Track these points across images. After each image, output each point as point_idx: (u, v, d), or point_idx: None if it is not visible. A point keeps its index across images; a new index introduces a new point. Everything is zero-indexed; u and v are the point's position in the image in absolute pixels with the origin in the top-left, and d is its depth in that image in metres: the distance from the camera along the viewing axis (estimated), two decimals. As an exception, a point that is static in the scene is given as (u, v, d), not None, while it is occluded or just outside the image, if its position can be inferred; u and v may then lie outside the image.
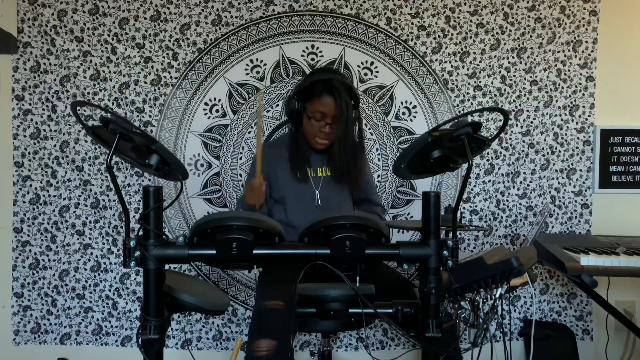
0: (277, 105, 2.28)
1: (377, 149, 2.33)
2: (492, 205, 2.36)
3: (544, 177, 2.37)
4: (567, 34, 2.32)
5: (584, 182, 2.38)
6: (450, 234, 1.20)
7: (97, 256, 2.29)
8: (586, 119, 2.35)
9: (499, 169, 2.35)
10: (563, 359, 2.30)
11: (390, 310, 1.25)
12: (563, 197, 2.38)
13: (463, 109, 2.32)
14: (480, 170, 2.34)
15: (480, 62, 2.31)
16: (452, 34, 2.29)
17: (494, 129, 2.33)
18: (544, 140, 2.35)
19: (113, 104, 2.25)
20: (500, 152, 2.34)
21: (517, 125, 2.34)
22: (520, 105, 2.33)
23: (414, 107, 2.31)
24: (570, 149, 2.36)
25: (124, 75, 2.24)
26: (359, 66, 2.28)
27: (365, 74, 2.29)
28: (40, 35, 2.20)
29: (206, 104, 2.27)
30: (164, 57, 2.24)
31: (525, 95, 2.33)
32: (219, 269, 2.33)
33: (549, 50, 2.32)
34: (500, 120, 2.32)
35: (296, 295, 1.29)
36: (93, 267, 2.30)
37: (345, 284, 1.20)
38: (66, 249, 2.28)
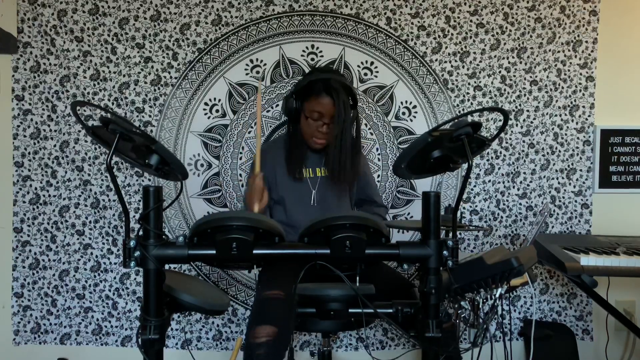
0: (277, 105, 2.28)
1: (377, 149, 2.33)
2: (492, 205, 2.36)
3: (544, 177, 2.37)
4: (567, 34, 2.32)
5: (584, 182, 2.38)
6: (450, 234, 1.20)
7: (97, 256, 2.29)
8: (586, 119, 2.35)
9: (499, 169, 2.35)
10: (563, 359, 2.30)
11: (390, 310, 1.25)
12: (563, 197, 2.38)
13: (463, 109, 2.32)
14: (480, 170, 2.34)
15: (480, 62, 2.31)
16: (452, 34, 2.29)
17: (494, 129, 2.33)
18: (544, 140, 2.35)
19: (113, 104, 2.25)
20: (500, 152, 2.34)
21: (517, 125, 2.34)
22: (520, 105, 2.33)
23: (414, 107, 2.31)
24: (570, 149, 2.36)
25: (124, 75, 2.24)
26: (359, 66, 2.28)
27: (365, 74, 2.29)
28: (40, 35, 2.20)
29: (206, 104, 2.27)
30: (164, 57, 2.24)
31: (525, 95, 2.33)
32: (219, 269, 2.33)
33: (549, 50, 2.32)
34: (500, 120, 2.32)
35: (296, 296, 1.29)
36: (93, 267, 2.30)
37: (345, 284, 1.20)
38: (66, 249, 2.28)
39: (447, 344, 1.19)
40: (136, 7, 2.21)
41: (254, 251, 1.14)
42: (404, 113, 2.32)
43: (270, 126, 2.30)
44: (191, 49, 2.24)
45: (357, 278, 1.21)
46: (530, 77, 2.32)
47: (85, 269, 2.30)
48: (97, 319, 2.32)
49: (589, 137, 2.36)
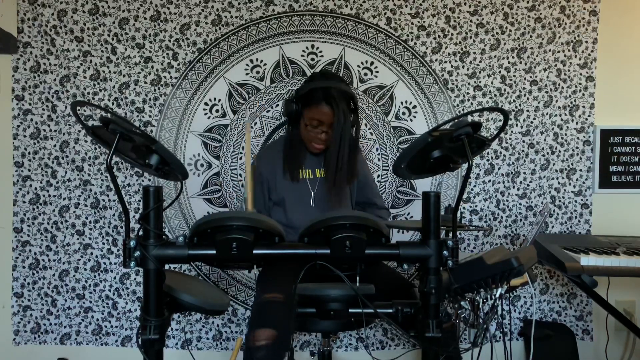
0: (277, 105, 2.28)
1: (377, 149, 2.33)
2: (492, 205, 2.36)
3: (544, 177, 2.37)
4: (567, 34, 2.32)
5: (584, 182, 2.38)
6: (450, 234, 1.20)
7: (97, 256, 2.29)
8: (586, 119, 2.35)
9: (499, 169, 2.35)
10: (563, 359, 2.30)
11: (390, 310, 1.25)
12: (563, 197, 2.38)
13: (463, 109, 2.32)
14: (480, 170, 2.34)
15: (480, 62, 2.31)
16: (452, 34, 2.29)
17: (494, 129, 2.33)
18: (544, 140, 2.35)
19: (113, 104, 2.25)
20: (500, 152, 2.34)
21: (517, 125, 2.34)
22: (520, 105, 2.33)
23: (414, 107, 2.31)
24: (570, 149, 2.36)
25: (124, 75, 2.24)
26: (359, 66, 2.28)
27: (365, 74, 2.29)
28: (40, 35, 2.20)
29: (206, 104, 2.27)
30: (164, 57, 2.24)
31: (525, 95, 2.33)
32: (219, 269, 2.33)
33: (549, 50, 2.32)
34: (500, 120, 2.32)
35: (296, 296, 1.29)
36: (93, 267, 2.30)
37: (345, 284, 1.20)
38: (66, 249, 2.28)
39: (447, 344, 1.19)
40: (136, 7, 2.21)
41: (254, 251, 1.15)
42: (404, 113, 2.32)
43: (270, 126, 2.30)
44: (191, 49, 2.24)
45: (357, 278, 1.21)
46: (530, 77, 2.32)
47: (85, 269, 2.30)
48: (97, 319, 2.32)
49: (589, 137, 2.36)
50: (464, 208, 2.35)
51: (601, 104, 2.35)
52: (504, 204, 2.37)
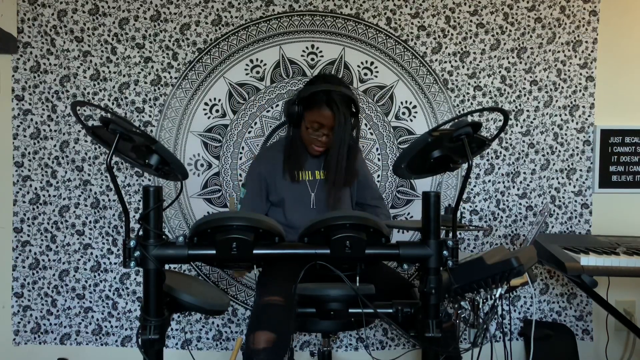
0: (277, 105, 2.28)
1: (377, 149, 2.33)
2: (492, 205, 2.36)
3: (544, 177, 2.37)
4: (567, 34, 2.32)
5: (584, 182, 2.38)
6: (450, 234, 1.20)
7: (97, 256, 2.29)
8: (586, 119, 2.35)
9: (499, 169, 2.35)
10: (563, 359, 2.30)
11: (390, 310, 1.25)
12: (563, 197, 2.38)
13: (463, 109, 2.32)
14: (480, 170, 2.34)
15: (480, 62, 2.31)
16: (452, 34, 2.29)
17: (494, 129, 2.33)
18: (544, 140, 2.35)
19: (113, 104, 2.25)
20: (500, 152, 2.34)
21: (517, 125, 2.34)
22: (520, 105, 2.33)
23: (414, 107, 2.31)
24: (570, 149, 2.36)
25: (124, 75, 2.24)
26: (359, 66, 2.29)
27: (365, 74, 2.29)
28: (40, 35, 2.20)
29: (206, 104, 2.27)
30: (164, 57, 2.24)
31: (525, 95, 2.33)
32: (219, 269, 2.33)
33: (549, 50, 2.32)
34: (500, 120, 2.32)
35: (296, 295, 1.29)
36: (93, 267, 2.30)
37: (345, 284, 1.20)
38: (66, 249, 2.28)
39: (447, 344, 1.19)
40: (136, 7, 2.21)
41: (254, 251, 1.14)
42: (404, 113, 2.32)
43: (270, 126, 2.30)
44: (191, 49, 2.24)
45: (357, 278, 1.21)
46: (530, 77, 2.32)
47: (85, 269, 2.30)
48: (97, 319, 2.32)
49: (589, 137, 2.36)
50: (464, 208, 2.35)
51: (601, 104, 2.35)
52: (504, 204, 2.37)
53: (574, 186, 2.38)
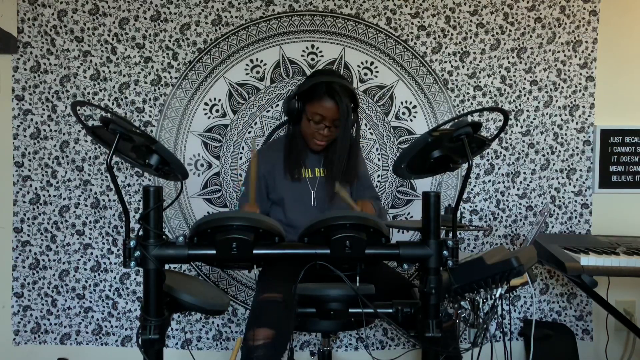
0: (277, 105, 2.28)
1: (377, 149, 2.33)
2: (492, 205, 2.36)
3: (544, 177, 2.37)
4: (567, 34, 2.32)
5: (584, 182, 2.38)
6: (450, 234, 1.20)
7: (97, 256, 2.29)
8: (586, 119, 2.35)
9: (499, 169, 2.35)
10: (563, 359, 2.30)
11: (390, 310, 1.25)
12: (563, 197, 2.38)
13: (463, 109, 2.32)
14: (480, 170, 2.34)
15: (480, 62, 2.31)
16: (452, 34, 2.29)
17: (494, 129, 2.33)
18: (544, 140, 2.35)
19: (113, 104, 2.25)
20: (500, 152, 2.34)
21: (517, 125, 2.34)
22: (520, 105, 2.33)
23: (414, 107, 2.31)
24: (570, 149, 2.36)
25: (124, 75, 2.24)
26: (359, 66, 2.28)
27: (365, 74, 2.29)
28: (40, 35, 2.20)
29: (206, 104, 2.27)
30: (164, 57, 2.24)
31: (525, 95, 2.33)
32: (219, 269, 2.33)
33: (549, 50, 2.32)
34: (500, 120, 2.32)
35: (296, 295, 1.29)
36: (93, 267, 2.30)
37: (345, 284, 1.20)
38: (66, 249, 2.28)
39: (447, 344, 1.19)
40: (136, 7, 2.21)
41: (254, 251, 1.14)
42: (404, 113, 2.32)
43: (270, 126, 2.30)
44: (191, 49, 2.24)
45: (357, 278, 1.21)
46: (530, 77, 2.32)
47: (85, 269, 2.30)
48: (97, 319, 2.32)
49: (589, 137, 2.36)
50: (464, 208, 2.35)
51: (601, 104, 2.35)
52: (504, 204, 2.37)
53: (574, 186, 2.38)
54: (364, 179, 2.04)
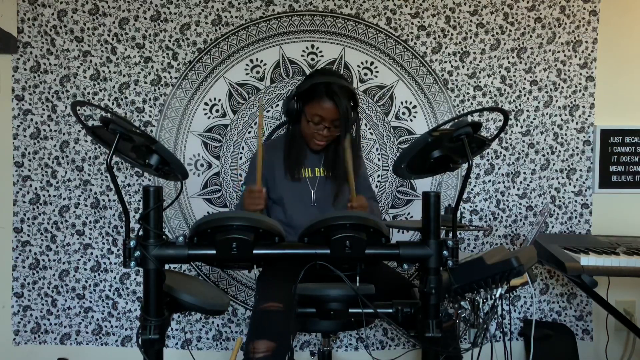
0: (277, 105, 2.28)
1: (377, 149, 2.33)
2: (492, 205, 2.36)
3: (544, 177, 2.37)
4: (567, 34, 2.32)
5: (584, 182, 2.38)
6: (450, 234, 1.20)
7: (97, 256, 2.29)
8: (586, 119, 2.35)
9: (499, 169, 2.35)
10: (563, 359, 2.30)
11: (390, 310, 1.25)
12: (563, 197, 2.38)
13: (463, 109, 2.32)
14: (480, 170, 2.34)
15: (480, 62, 2.31)
16: (452, 34, 2.29)
17: (494, 129, 2.33)
18: (544, 140, 2.35)
19: (113, 104, 2.25)
20: (500, 152, 2.34)
21: (517, 125, 2.34)
22: (520, 105, 2.33)
23: (414, 107, 2.31)
24: (570, 149, 2.36)
25: (124, 75, 2.24)
26: (359, 66, 2.28)
27: (365, 74, 2.29)
28: (40, 35, 2.20)
29: (206, 104, 2.27)
30: (164, 57, 2.24)
31: (525, 95, 2.33)
32: (219, 269, 2.33)
33: (549, 50, 2.32)
34: (500, 120, 2.32)
35: (296, 296, 1.29)
36: (93, 267, 2.30)
37: (345, 284, 1.20)
38: (66, 249, 2.28)
39: (447, 344, 1.19)
40: (136, 7, 2.21)
41: (254, 251, 1.14)
42: (404, 113, 2.32)
43: (270, 126, 2.30)
44: (191, 49, 2.24)
45: (357, 278, 1.21)
46: (530, 77, 2.32)
47: (85, 269, 2.30)
48: (97, 319, 2.32)
49: (589, 137, 2.36)
50: (464, 208, 2.35)
51: (601, 104, 2.35)
52: (504, 204, 2.37)
53: (574, 186, 2.38)
54: (362, 179, 2.04)
